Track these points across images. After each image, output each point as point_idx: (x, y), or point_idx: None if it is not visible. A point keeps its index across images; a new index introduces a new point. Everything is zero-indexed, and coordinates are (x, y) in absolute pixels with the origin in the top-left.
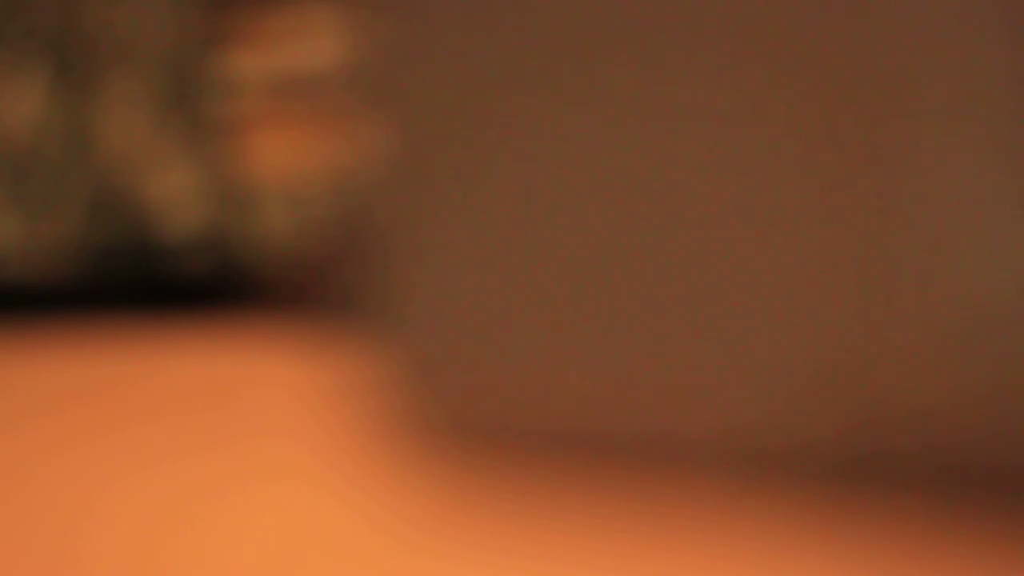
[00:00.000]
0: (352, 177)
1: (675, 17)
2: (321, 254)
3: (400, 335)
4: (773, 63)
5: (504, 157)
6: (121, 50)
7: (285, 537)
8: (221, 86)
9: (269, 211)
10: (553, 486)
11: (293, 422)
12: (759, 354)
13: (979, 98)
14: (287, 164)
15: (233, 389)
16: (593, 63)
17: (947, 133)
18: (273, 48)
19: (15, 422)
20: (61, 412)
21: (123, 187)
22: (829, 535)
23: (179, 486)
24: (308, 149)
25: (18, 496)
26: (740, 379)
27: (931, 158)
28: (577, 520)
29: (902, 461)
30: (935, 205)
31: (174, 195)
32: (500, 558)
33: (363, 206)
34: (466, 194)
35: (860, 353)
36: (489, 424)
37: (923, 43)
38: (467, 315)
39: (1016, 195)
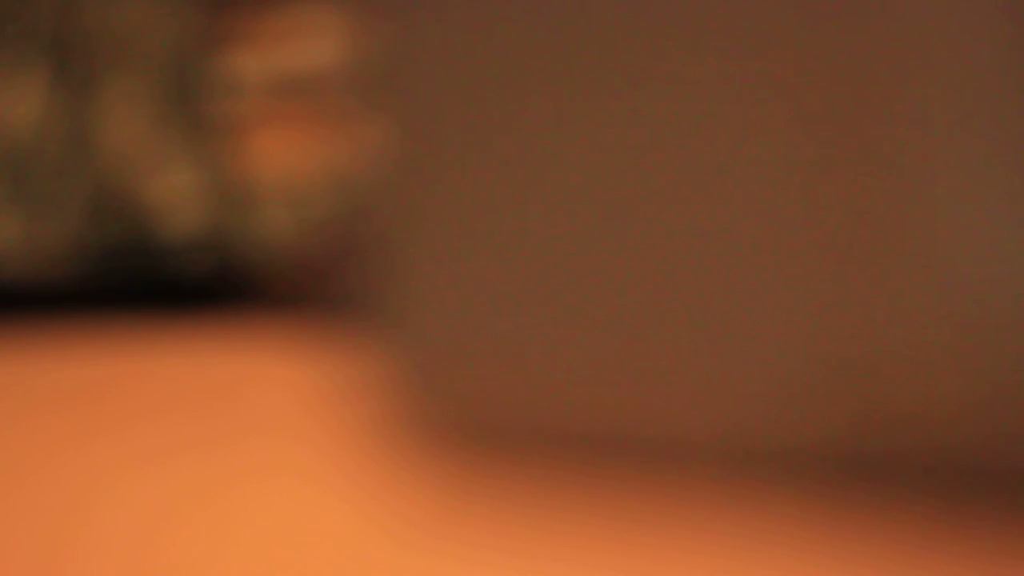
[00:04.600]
0: (352, 177)
1: (674, 17)
2: (321, 254)
3: (400, 335)
4: (772, 64)
5: (504, 157)
6: (121, 50)
7: (285, 537)
8: (221, 86)
9: (269, 211)
10: (553, 486)
11: (293, 422)
12: (759, 354)
13: (979, 98)
14: (287, 164)
15: (233, 389)
16: (592, 63)
17: (947, 133)
18: (273, 48)
19: (15, 422)
20: (61, 412)
21: (123, 187)
22: (829, 535)
23: (179, 485)
24: (308, 149)
25: (18, 495)
26: (740, 380)
27: (931, 158)
28: (577, 520)
29: (902, 461)
30: (936, 205)
31: (174, 195)
32: (500, 558)
33: (362, 206)
34: (466, 194)
35: (860, 353)
36: (489, 424)
37: (923, 43)
38: (467, 315)
39: (1016, 195)
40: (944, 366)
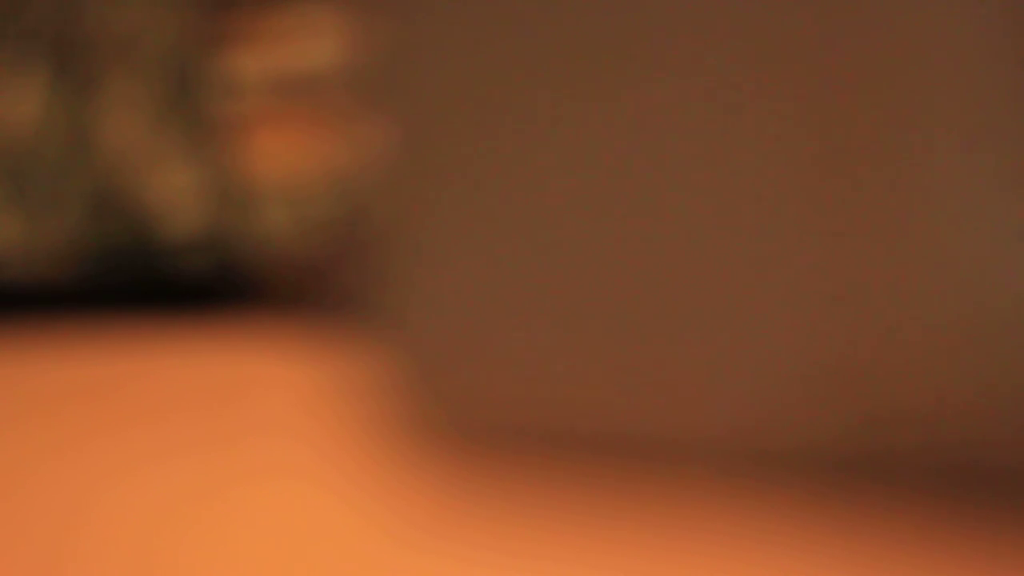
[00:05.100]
0: (352, 177)
1: (675, 17)
2: (321, 254)
3: (400, 335)
4: (773, 64)
5: (504, 157)
6: (121, 50)
7: (285, 537)
8: (221, 86)
9: (269, 211)
10: (553, 486)
11: (293, 422)
12: (759, 354)
13: (979, 98)
14: (287, 164)
15: (233, 389)
16: (593, 62)
17: (947, 133)
18: (273, 48)
19: (15, 422)
20: (61, 412)
21: (123, 187)
22: (830, 535)
23: (179, 486)
24: (308, 149)
25: (18, 496)
26: (740, 379)
27: (931, 159)
28: (577, 520)
29: (902, 461)
30: (935, 205)
31: (174, 195)
32: (500, 558)
33: (362, 206)
34: (466, 194)
35: (860, 353)
36: (489, 424)
37: (923, 43)
38: (467, 315)
39: (1016, 196)
40: (944, 366)
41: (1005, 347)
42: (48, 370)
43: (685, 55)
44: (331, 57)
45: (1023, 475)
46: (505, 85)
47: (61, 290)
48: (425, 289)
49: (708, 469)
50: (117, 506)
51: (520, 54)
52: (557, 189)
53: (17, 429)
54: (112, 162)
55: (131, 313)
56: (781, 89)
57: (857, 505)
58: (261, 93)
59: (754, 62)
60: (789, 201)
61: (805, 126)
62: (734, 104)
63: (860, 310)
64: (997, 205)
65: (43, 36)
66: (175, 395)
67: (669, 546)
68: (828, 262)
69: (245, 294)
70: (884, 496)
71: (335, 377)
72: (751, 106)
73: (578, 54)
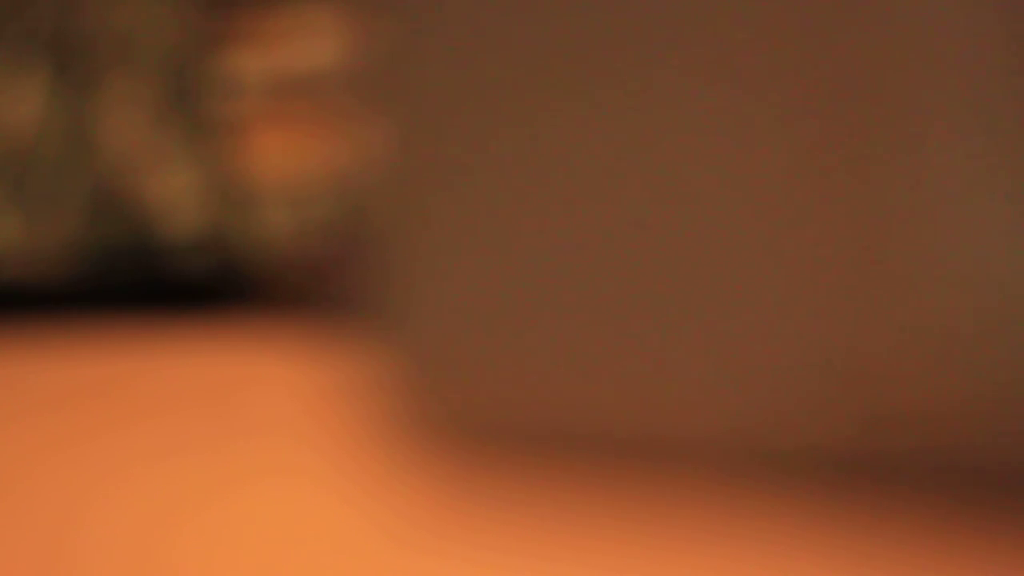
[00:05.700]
0: (352, 177)
1: (674, 17)
2: (321, 254)
3: (400, 335)
4: (772, 63)
5: (504, 157)
6: (121, 50)
7: (285, 537)
8: (221, 86)
9: (269, 211)
10: (553, 486)
11: (293, 422)
12: (761, 355)
13: (979, 98)
14: (287, 164)
15: (233, 389)
16: (592, 63)
17: (947, 133)
18: (273, 48)
19: (15, 420)
20: (61, 411)
21: (123, 187)
22: (831, 535)
23: (179, 485)
24: (308, 149)
25: (17, 494)
26: (742, 379)
27: (932, 158)
28: (577, 520)
29: (903, 461)
30: (936, 205)
31: (174, 195)
32: (500, 558)
33: (363, 206)
34: (466, 194)
35: (862, 354)
36: (489, 424)
37: (923, 43)
38: (467, 315)
39: (1017, 196)
40: (945, 366)
41: (1005, 347)
42: (48, 370)
43: (686, 55)
44: (331, 57)
45: (1023, 475)
46: (505, 85)
47: (61, 290)
48: (425, 289)
49: (708, 469)
50: (117, 505)
51: (520, 54)
52: (557, 189)
53: (17, 428)
54: (112, 162)
55: (131, 313)
56: (783, 90)
57: (858, 505)
58: (261, 93)
59: (755, 62)
60: (790, 202)
61: (807, 127)
62: (736, 104)
63: (861, 311)
64: (997, 205)
65: (43, 36)
66: (175, 395)
67: (669, 546)
68: (829, 263)
69: (245, 294)
70: (885, 496)
71: (335, 377)
72: (753, 106)
73: (579, 54)
